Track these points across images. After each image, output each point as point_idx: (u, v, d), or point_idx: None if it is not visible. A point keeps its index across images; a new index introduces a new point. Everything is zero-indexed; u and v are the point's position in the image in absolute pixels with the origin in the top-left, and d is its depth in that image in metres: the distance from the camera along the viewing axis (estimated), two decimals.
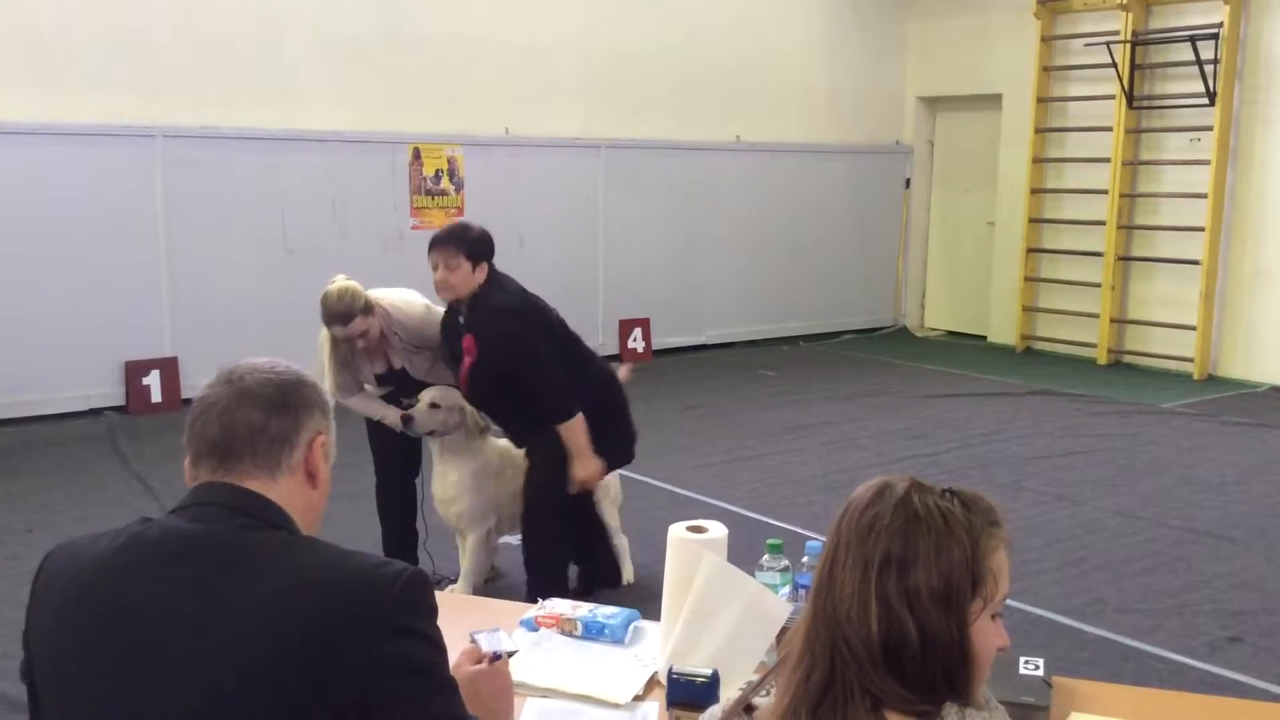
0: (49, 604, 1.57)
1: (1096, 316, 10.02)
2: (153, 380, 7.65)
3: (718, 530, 2.29)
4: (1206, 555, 5.23)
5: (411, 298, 4.61)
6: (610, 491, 4.72)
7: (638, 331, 9.88)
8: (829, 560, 1.39)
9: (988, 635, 1.36)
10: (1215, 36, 8.97)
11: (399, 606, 1.49)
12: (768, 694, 1.45)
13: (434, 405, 4.37)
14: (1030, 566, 5.02)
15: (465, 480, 4.43)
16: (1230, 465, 6.73)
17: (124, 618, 1.49)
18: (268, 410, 1.62)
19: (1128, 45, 9.53)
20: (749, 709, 1.41)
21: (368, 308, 4.34)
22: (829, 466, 6.58)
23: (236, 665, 1.43)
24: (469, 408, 4.43)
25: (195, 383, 2.00)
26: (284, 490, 1.61)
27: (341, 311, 4.29)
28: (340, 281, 4.36)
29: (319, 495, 1.69)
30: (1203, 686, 3.88)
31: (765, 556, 2.31)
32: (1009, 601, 4.76)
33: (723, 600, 2.11)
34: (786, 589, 2.28)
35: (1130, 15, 9.54)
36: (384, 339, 4.47)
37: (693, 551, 2.18)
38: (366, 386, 4.69)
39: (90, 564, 1.55)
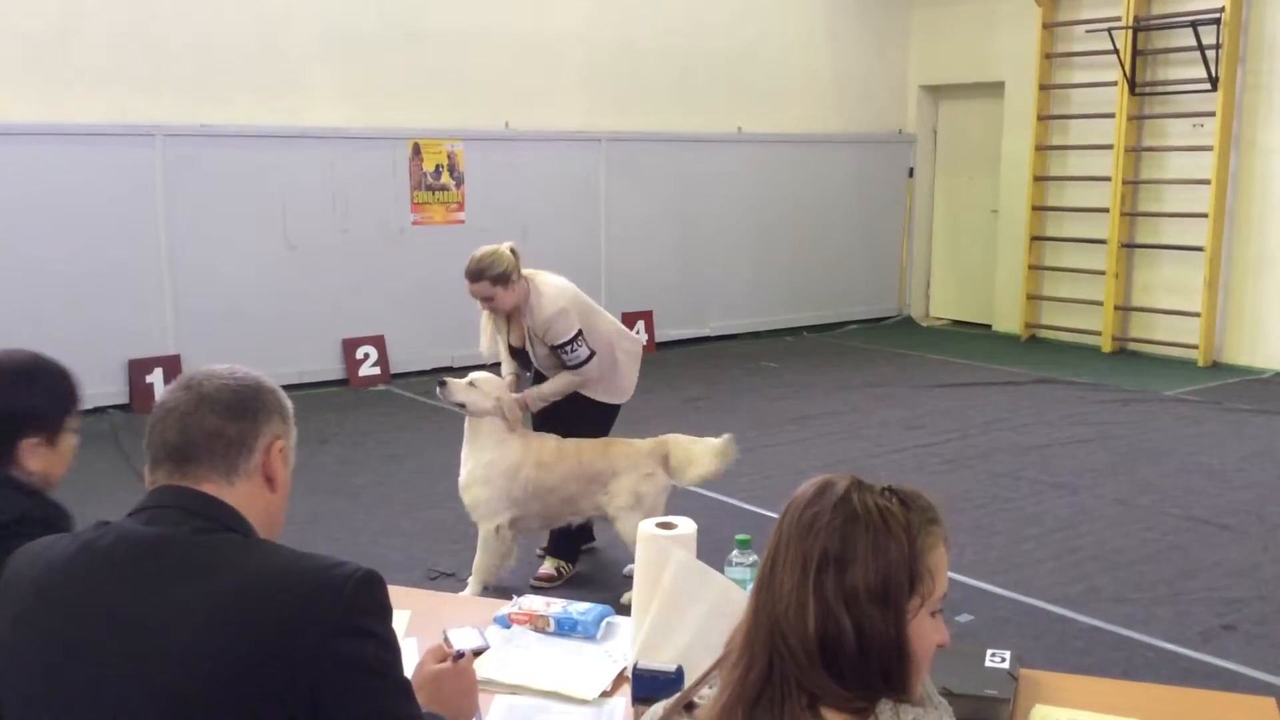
0: (8, 609, 1.58)
1: (1101, 304, 9.99)
2: (156, 378, 7.69)
3: (687, 526, 2.29)
4: (1203, 543, 5.22)
5: (557, 291, 4.54)
6: (644, 503, 4.44)
7: (641, 324, 9.87)
8: (770, 558, 1.40)
9: (926, 632, 1.36)
10: (1217, 21, 8.92)
11: (350, 607, 1.51)
12: (714, 688, 1.46)
13: (471, 384, 4.42)
14: (1026, 556, 5.03)
15: (477, 470, 4.43)
16: (1232, 452, 6.71)
17: (80, 621, 1.51)
18: (225, 415, 1.64)
19: (1129, 31, 9.49)
20: (690, 707, 1.42)
21: (503, 278, 4.39)
22: (829, 458, 6.58)
23: (191, 667, 1.45)
24: (508, 399, 4.41)
25: None
26: (241, 494, 1.64)
27: (473, 269, 4.39)
28: (499, 246, 4.42)
29: (278, 499, 1.71)
30: (1193, 676, 3.88)
31: (734, 552, 2.31)
32: (1002, 590, 4.72)
33: (691, 596, 2.12)
34: None
35: (1132, 1, 9.49)
36: (519, 313, 4.52)
37: (661, 548, 2.19)
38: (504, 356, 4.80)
39: (47, 568, 1.57)
